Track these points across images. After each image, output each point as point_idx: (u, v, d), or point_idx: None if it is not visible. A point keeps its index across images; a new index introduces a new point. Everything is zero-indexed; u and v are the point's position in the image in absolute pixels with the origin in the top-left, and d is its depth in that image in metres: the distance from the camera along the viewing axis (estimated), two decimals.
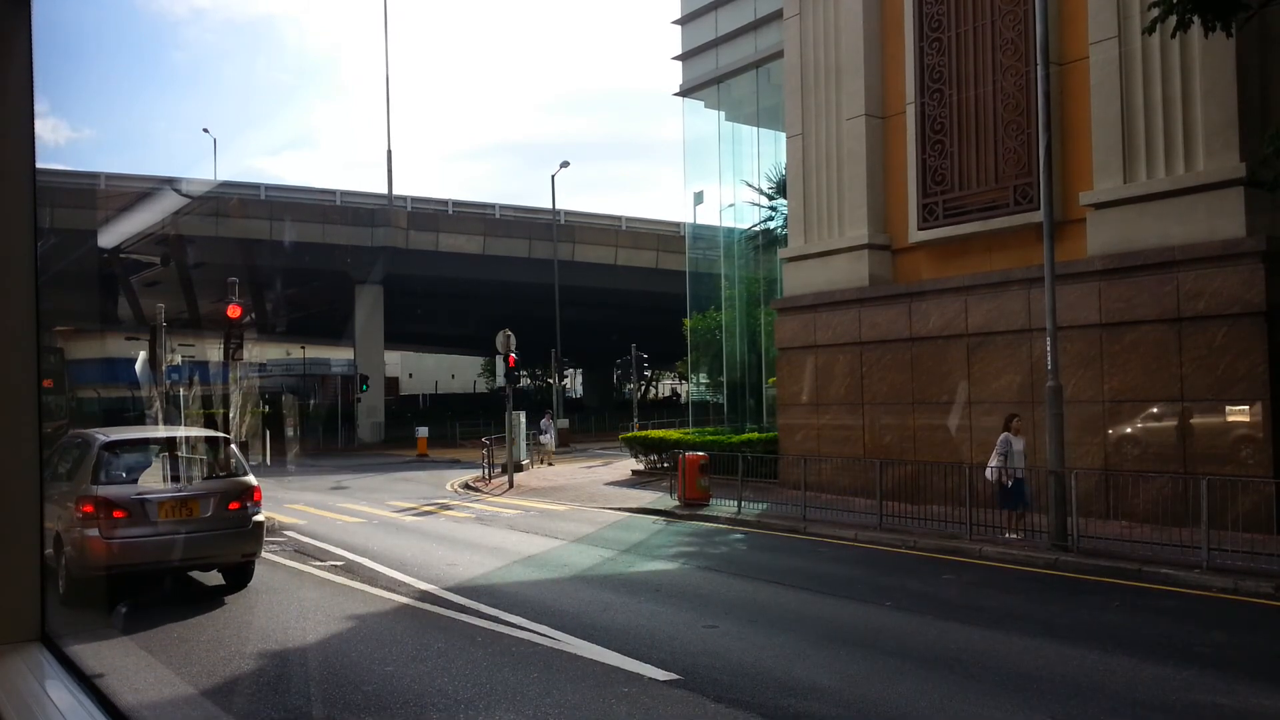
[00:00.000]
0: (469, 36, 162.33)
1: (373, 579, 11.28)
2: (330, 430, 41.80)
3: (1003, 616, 9.46)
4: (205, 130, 79.19)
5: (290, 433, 38.95)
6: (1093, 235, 15.21)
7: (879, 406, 18.38)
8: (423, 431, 34.08)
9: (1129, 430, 14.59)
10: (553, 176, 47.65)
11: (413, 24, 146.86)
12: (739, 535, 15.30)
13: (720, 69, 27.12)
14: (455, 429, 44.03)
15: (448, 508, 19.40)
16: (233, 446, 11.22)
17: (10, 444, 2.11)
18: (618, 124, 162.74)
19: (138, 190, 38.42)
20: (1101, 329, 14.88)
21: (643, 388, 56.30)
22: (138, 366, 42.93)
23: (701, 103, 27.87)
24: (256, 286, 40.68)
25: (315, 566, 12.33)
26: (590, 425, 49.05)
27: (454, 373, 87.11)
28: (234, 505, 10.28)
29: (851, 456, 18.26)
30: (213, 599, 10.30)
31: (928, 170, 17.74)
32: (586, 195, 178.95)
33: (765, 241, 25.59)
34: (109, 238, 36.02)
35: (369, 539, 14.74)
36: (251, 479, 10.78)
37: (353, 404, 42.30)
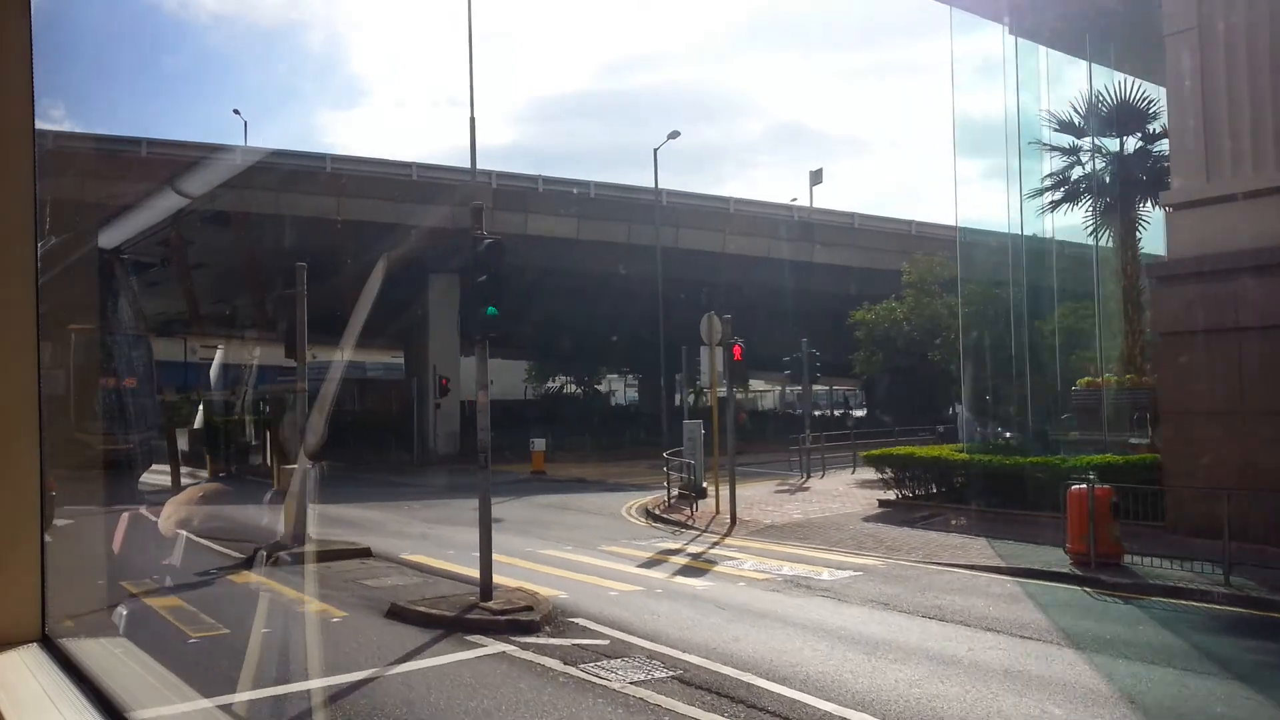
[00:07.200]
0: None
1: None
2: (404, 442, 35.84)
3: None
4: (236, 112, 73.50)
5: (359, 445, 33.39)
6: None
7: None
8: (539, 444, 28.10)
9: None
10: (655, 150, 38.55)
11: None
12: None
13: None
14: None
15: (695, 557, 13.71)
16: None
17: (11, 445, 2.10)
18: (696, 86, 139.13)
19: (184, 160, 32.68)
20: None
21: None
22: (212, 369, 37.67)
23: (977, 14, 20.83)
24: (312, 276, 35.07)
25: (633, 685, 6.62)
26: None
27: (493, 378, 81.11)
28: None
29: None
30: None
31: None
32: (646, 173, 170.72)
33: (1065, 196, 19.68)
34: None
35: (667, 622, 9.08)
36: None
37: (431, 411, 36.38)
